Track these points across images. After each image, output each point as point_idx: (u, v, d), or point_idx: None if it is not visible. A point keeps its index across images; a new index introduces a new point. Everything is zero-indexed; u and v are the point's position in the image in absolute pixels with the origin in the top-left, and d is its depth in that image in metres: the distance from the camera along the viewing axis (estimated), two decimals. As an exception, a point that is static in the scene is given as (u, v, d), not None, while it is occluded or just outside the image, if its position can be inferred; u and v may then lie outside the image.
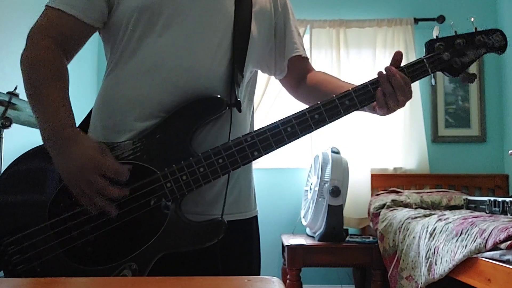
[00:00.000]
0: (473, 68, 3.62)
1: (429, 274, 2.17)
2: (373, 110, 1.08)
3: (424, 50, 1.11)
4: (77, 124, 1.06)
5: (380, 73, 1.05)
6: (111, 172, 0.93)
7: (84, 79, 3.31)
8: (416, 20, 3.65)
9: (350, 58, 3.64)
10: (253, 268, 1.16)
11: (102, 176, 0.93)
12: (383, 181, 3.54)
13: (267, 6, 1.18)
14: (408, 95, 1.05)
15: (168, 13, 1.04)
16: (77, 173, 0.93)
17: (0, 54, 2.52)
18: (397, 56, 1.06)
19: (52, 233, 0.96)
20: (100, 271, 0.95)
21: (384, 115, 1.08)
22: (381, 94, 1.04)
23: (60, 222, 0.97)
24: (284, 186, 3.60)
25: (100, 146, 0.96)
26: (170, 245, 0.97)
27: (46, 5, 1.05)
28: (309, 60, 1.29)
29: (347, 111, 1.04)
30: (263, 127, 1.01)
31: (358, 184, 3.41)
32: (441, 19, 3.57)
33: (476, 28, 1.11)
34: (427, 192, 3.24)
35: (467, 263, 1.93)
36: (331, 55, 3.62)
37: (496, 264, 1.76)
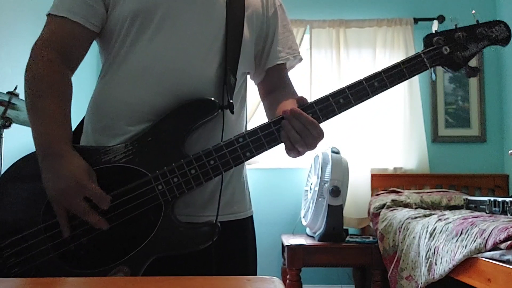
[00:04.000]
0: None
1: (429, 274, 2.17)
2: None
3: (423, 45, 1.09)
4: (72, 128, 1.05)
5: (284, 113, 1.00)
6: (94, 196, 0.94)
7: (84, 85, 3.31)
8: (416, 20, 3.65)
9: (350, 58, 3.63)
10: (249, 268, 1.15)
11: (84, 199, 0.93)
12: (383, 181, 3.54)
13: (260, 9, 1.18)
14: (319, 136, 1.00)
15: (160, 17, 1.04)
16: (61, 195, 0.93)
17: (0, 54, 2.52)
18: (300, 100, 1.01)
19: (46, 236, 0.96)
20: (93, 274, 0.95)
21: (295, 157, 1.04)
22: (287, 139, 1.00)
23: (53, 225, 0.96)
24: (284, 186, 3.60)
25: (90, 169, 0.96)
26: (163, 248, 0.96)
27: (48, 14, 1.05)
28: (305, 59, 1.28)
29: (340, 109, 1.03)
30: (255, 127, 1.01)
31: (358, 184, 3.41)
32: (440, 19, 3.57)
33: (477, 21, 1.08)
34: (427, 192, 3.24)
35: (467, 263, 1.93)
36: (331, 55, 3.62)
37: (496, 264, 1.76)
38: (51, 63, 1.02)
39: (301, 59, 1.26)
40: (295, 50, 1.23)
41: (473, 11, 1.09)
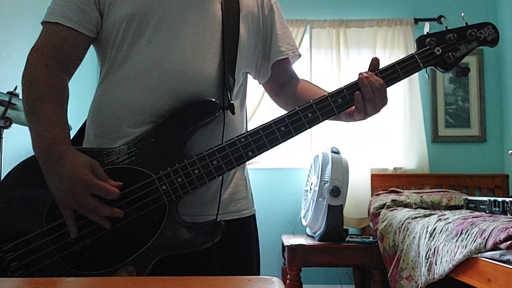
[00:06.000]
0: (473, 69, 3.61)
1: (429, 274, 2.17)
2: (350, 117, 1.11)
3: (415, 46, 1.12)
4: (73, 134, 1.06)
5: (360, 75, 1.07)
6: (100, 192, 0.93)
7: (85, 89, 3.31)
8: (416, 20, 3.65)
9: (350, 58, 3.63)
10: (253, 267, 1.16)
11: (92, 196, 0.93)
12: (383, 181, 3.54)
13: (255, 9, 1.19)
14: (385, 100, 1.08)
15: (156, 20, 1.05)
16: (67, 196, 0.93)
17: (0, 54, 2.52)
18: (374, 62, 1.09)
19: (50, 238, 0.96)
20: (97, 276, 0.95)
21: (356, 120, 1.11)
22: (360, 98, 1.06)
23: (57, 227, 0.97)
24: (284, 186, 3.60)
25: (91, 163, 0.96)
26: (168, 247, 0.97)
27: (43, 21, 1.07)
28: (299, 59, 1.29)
29: (339, 108, 1.06)
30: (257, 127, 1.02)
31: (358, 184, 3.41)
32: (440, 19, 3.57)
33: (466, 23, 1.12)
34: (427, 192, 3.24)
35: (467, 263, 1.93)
36: (331, 55, 3.62)
37: (496, 264, 1.76)
38: (47, 67, 1.02)
39: (300, 55, 1.28)
40: (293, 46, 1.25)
41: (462, 14, 1.12)
